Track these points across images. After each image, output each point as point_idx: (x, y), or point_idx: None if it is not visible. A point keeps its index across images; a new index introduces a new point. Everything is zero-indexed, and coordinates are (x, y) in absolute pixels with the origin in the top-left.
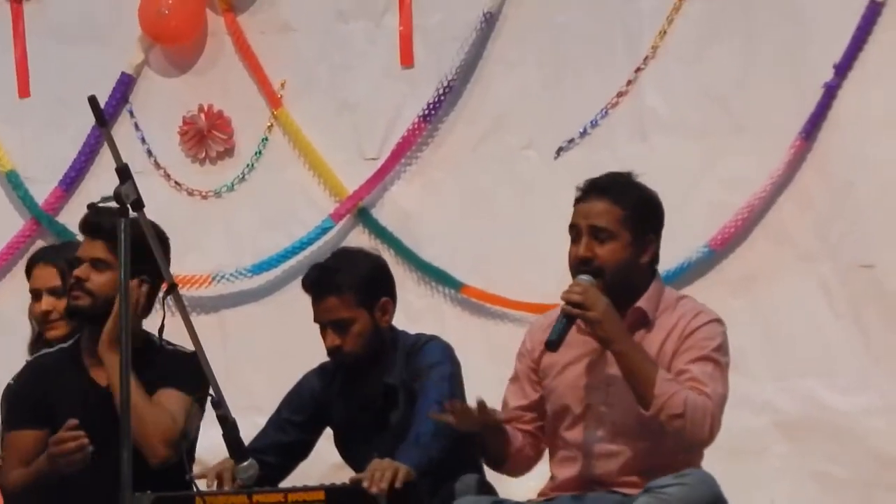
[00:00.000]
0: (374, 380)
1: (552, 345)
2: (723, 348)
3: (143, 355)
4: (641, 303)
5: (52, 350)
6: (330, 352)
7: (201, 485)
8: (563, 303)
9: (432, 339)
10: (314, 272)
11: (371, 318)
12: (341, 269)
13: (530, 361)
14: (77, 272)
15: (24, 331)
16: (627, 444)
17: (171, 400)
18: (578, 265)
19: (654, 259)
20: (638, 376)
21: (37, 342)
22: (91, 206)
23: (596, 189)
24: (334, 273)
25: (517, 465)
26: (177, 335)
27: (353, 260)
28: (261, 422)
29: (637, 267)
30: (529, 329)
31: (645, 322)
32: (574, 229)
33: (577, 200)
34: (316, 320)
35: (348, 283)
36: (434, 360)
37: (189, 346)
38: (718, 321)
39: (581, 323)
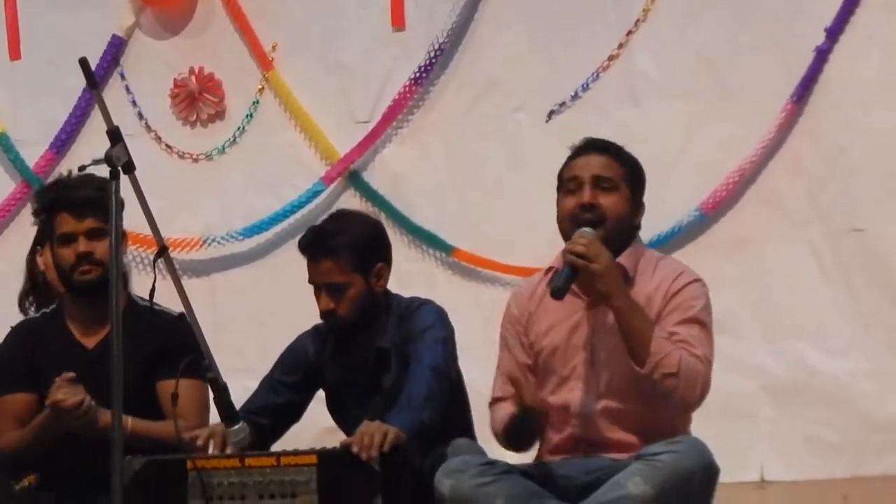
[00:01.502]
0: (366, 343)
1: (558, 292)
2: (707, 309)
3: (125, 316)
4: (622, 259)
5: (35, 316)
6: (323, 315)
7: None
8: (566, 253)
9: (426, 303)
10: (311, 234)
11: (366, 282)
12: (339, 231)
13: (519, 327)
14: (82, 248)
15: (17, 294)
16: (616, 404)
17: (193, 397)
18: (581, 212)
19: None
20: (634, 333)
21: (30, 295)
22: (81, 169)
23: (595, 146)
24: (332, 236)
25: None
26: (167, 298)
27: (351, 223)
28: (252, 385)
29: (630, 226)
30: (513, 295)
31: (626, 279)
32: (574, 181)
33: (574, 155)
34: (310, 282)
35: (345, 246)
36: (427, 324)
37: (179, 308)
38: (700, 281)
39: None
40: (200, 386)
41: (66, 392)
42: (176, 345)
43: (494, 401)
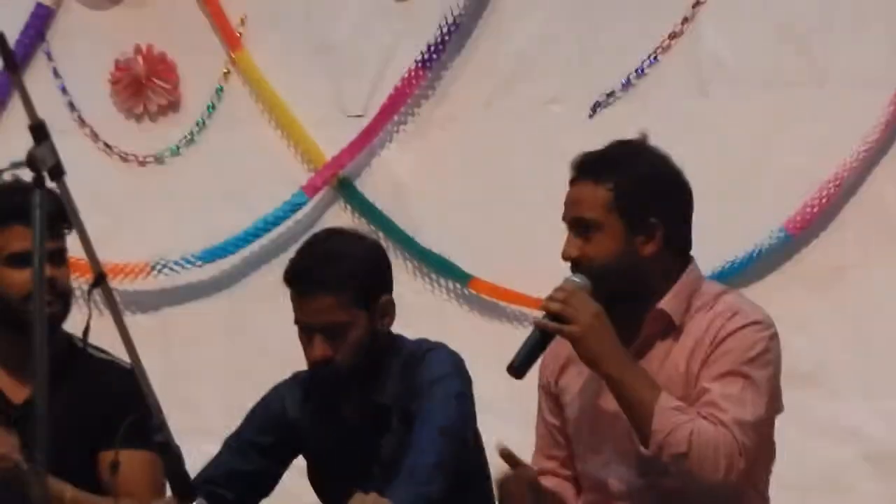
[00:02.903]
0: (361, 398)
1: (516, 371)
2: (760, 360)
3: (63, 364)
4: (664, 304)
5: None
6: (316, 364)
7: None
8: (538, 313)
9: (436, 348)
10: (302, 261)
11: (369, 320)
12: (336, 256)
13: (550, 386)
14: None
15: None
16: (665, 480)
17: (144, 470)
18: (571, 268)
19: (677, 246)
20: (633, 406)
21: None
22: None
23: (582, 168)
24: (328, 262)
25: None
26: (105, 340)
27: (350, 245)
28: (212, 450)
29: (642, 259)
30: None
31: (670, 328)
32: (565, 221)
33: (569, 183)
34: (299, 322)
35: (345, 276)
36: (438, 374)
37: (123, 354)
38: (761, 323)
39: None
40: (153, 459)
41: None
42: (130, 408)
43: None
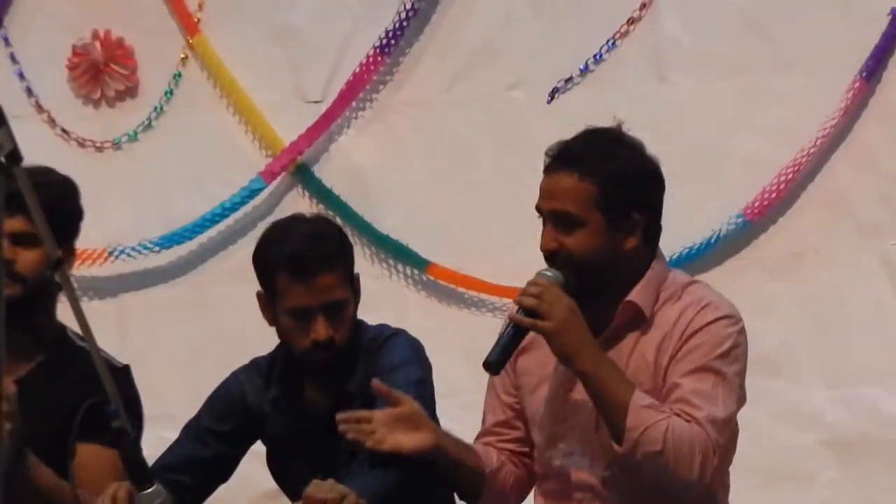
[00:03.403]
0: (329, 384)
1: (488, 367)
2: (731, 355)
3: (54, 353)
4: (634, 295)
5: None
6: (320, 344)
7: None
8: (512, 308)
9: (396, 334)
10: (296, 245)
11: (356, 303)
12: (322, 237)
13: (506, 367)
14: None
15: None
16: (625, 473)
17: (108, 465)
18: (546, 257)
19: (651, 238)
20: (607, 403)
21: None
22: None
23: (564, 158)
24: (319, 243)
25: (499, 497)
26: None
27: (325, 227)
28: (171, 436)
29: (622, 254)
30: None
31: (640, 320)
32: (539, 212)
33: (544, 171)
34: (300, 306)
35: (336, 254)
36: (398, 361)
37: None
38: (730, 317)
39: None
40: (114, 455)
41: None
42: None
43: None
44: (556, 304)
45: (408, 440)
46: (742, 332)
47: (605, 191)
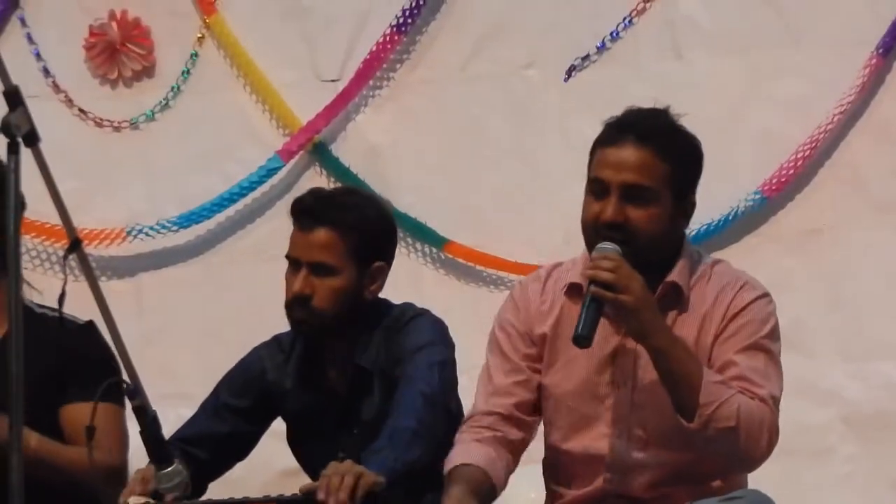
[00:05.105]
0: (343, 360)
1: (582, 341)
2: (774, 333)
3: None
4: (674, 276)
5: None
6: (294, 300)
7: None
8: (587, 282)
9: (421, 314)
10: (314, 197)
11: (358, 278)
12: (348, 206)
13: (526, 335)
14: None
15: None
16: (661, 454)
17: (109, 423)
18: (603, 229)
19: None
20: (679, 380)
21: None
22: None
23: (634, 132)
24: (339, 207)
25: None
26: (81, 304)
27: (365, 203)
28: (189, 414)
29: (676, 235)
30: (521, 289)
31: (679, 299)
32: (599, 184)
33: (606, 140)
34: (291, 255)
35: (351, 224)
36: (422, 342)
37: (89, 314)
38: (767, 296)
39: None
40: (115, 410)
41: None
42: (85, 361)
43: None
44: (633, 279)
45: None
46: (775, 310)
47: (676, 171)
